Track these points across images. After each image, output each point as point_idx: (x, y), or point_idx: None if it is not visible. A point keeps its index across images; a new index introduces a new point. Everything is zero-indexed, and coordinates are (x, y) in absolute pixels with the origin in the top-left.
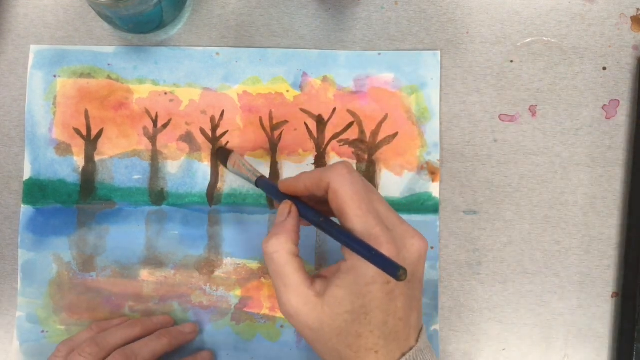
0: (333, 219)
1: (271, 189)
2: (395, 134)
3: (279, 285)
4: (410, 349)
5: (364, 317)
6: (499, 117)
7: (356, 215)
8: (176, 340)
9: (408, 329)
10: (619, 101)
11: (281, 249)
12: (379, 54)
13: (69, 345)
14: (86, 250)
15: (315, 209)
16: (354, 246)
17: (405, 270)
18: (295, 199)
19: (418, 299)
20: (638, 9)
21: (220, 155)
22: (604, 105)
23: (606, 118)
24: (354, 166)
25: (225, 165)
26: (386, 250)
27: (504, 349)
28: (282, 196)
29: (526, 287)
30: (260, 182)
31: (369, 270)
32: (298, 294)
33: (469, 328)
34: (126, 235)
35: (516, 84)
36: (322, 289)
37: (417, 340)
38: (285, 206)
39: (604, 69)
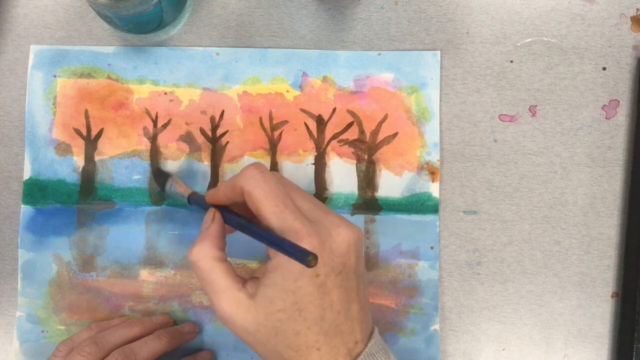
0: None
1: (202, 203)
2: (395, 134)
3: (209, 291)
4: (356, 343)
5: (298, 314)
6: (499, 117)
7: (272, 212)
8: (175, 340)
9: (350, 323)
10: (618, 101)
11: (204, 256)
12: (379, 54)
13: (68, 345)
14: (86, 250)
15: (241, 215)
16: (265, 240)
17: (314, 256)
18: (224, 208)
19: (356, 290)
20: (638, 9)
21: (158, 177)
22: (604, 105)
23: (606, 118)
24: (354, 166)
25: (163, 188)
26: (308, 242)
27: (504, 349)
28: (211, 208)
29: (526, 287)
30: (191, 198)
31: (295, 265)
32: (229, 297)
33: (469, 328)
34: (126, 236)
35: (516, 84)
36: (254, 290)
37: (367, 339)
38: (209, 214)
39: (604, 69)
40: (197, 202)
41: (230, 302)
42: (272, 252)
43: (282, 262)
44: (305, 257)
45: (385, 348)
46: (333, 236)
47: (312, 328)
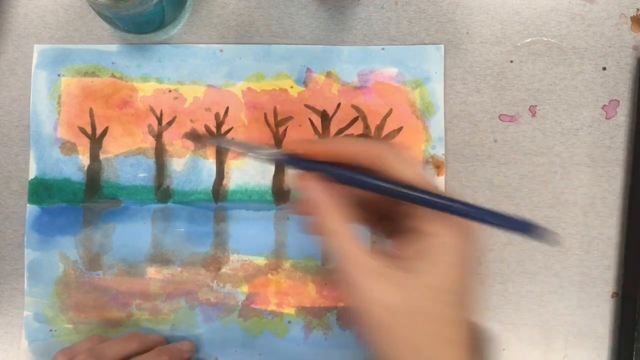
0: None
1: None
2: (400, 129)
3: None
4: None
5: (466, 299)
6: (499, 117)
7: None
8: (175, 358)
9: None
10: (618, 101)
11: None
12: (383, 48)
13: (67, 354)
14: (92, 248)
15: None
16: (429, 200)
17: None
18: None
19: None
20: (638, 9)
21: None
22: (604, 105)
23: (606, 118)
24: None
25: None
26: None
27: (504, 349)
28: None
29: (526, 287)
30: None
31: (468, 244)
32: (371, 270)
33: None
34: (132, 233)
35: (516, 84)
36: (404, 267)
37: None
38: (311, 181)
39: (604, 69)
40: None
41: (373, 275)
42: (437, 225)
43: (435, 245)
44: (531, 228)
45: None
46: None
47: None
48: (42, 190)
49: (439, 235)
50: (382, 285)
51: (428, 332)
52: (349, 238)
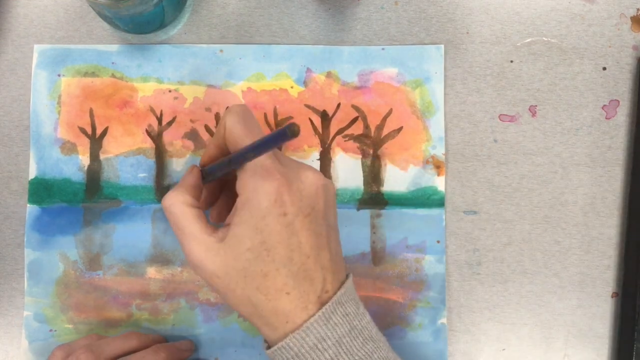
0: None
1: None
2: (400, 129)
3: (180, 237)
4: (326, 293)
5: (265, 253)
6: (499, 117)
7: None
8: (173, 356)
9: (321, 270)
10: (619, 101)
11: (177, 201)
12: (383, 48)
13: (65, 351)
14: (92, 248)
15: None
16: (247, 153)
17: (294, 124)
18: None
19: (327, 238)
20: (638, 9)
21: None
22: (604, 105)
23: (606, 118)
24: (360, 161)
25: None
26: (276, 179)
27: (504, 349)
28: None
29: (526, 287)
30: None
31: (262, 201)
32: (199, 241)
33: (469, 328)
34: (132, 234)
35: (516, 84)
36: (223, 234)
37: (337, 289)
38: (189, 169)
39: (604, 69)
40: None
41: (200, 246)
42: (241, 187)
43: (250, 197)
44: (285, 131)
45: (356, 299)
46: (301, 178)
47: (280, 270)
48: (42, 190)
49: (240, 194)
50: (205, 254)
51: (244, 286)
52: (190, 217)
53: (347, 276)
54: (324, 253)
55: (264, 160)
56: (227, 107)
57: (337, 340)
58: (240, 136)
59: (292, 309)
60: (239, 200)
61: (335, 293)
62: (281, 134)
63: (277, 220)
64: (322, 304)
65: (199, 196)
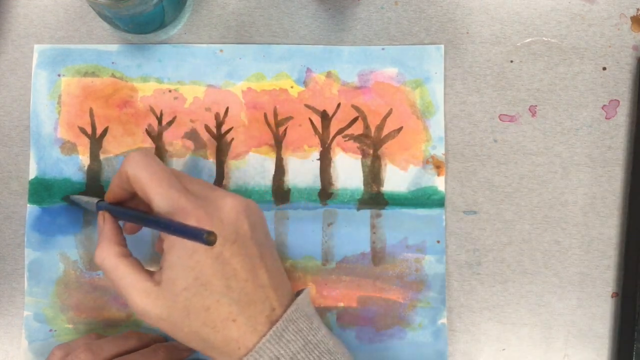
0: None
1: (105, 206)
2: (400, 129)
3: (120, 289)
4: (274, 311)
5: (202, 288)
6: (499, 117)
7: (158, 192)
8: (172, 355)
9: (262, 290)
10: (619, 101)
11: (107, 255)
12: (383, 48)
13: (64, 350)
14: (93, 248)
15: (133, 208)
16: (159, 226)
17: (212, 233)
18: (118, 205)
19: (260, 257)
20: (638, 9)
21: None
22: (604, 105)
23: (606, 118)
24: (360, 161)
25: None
26: (194, 216)
27: (504, 349)
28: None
29: (526, 287)
30: (98, 205)
31: (187, 241)
32: (138, 290)
33: (469, 328)
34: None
35: (516, 84)
36: (159, 277)
37: (287, 306)
38: (100, 216)
39: (604, 69)
40: (101, 207)
41: (140, 294)
42: (164, 233)
43: (175, 241)
44: (202, 236)
45: (310, 314)
46: (220, 206)
47: (221, 300)
48: (43, 190)
49: (165, 239)
50: (146, 300)
51: (190, 323)
52: (124, 268)
53: (301, 291)
54: (261, 273)
55: (177, 199)
56: (127, 156)
57: (291, 357)
58: (147, 183)
59: (241, 334)
60: (165, 244)
61: (285, 309)
62: (197, 235)
63: (206, 254)
64: (272, 323)
65: (124, 242)
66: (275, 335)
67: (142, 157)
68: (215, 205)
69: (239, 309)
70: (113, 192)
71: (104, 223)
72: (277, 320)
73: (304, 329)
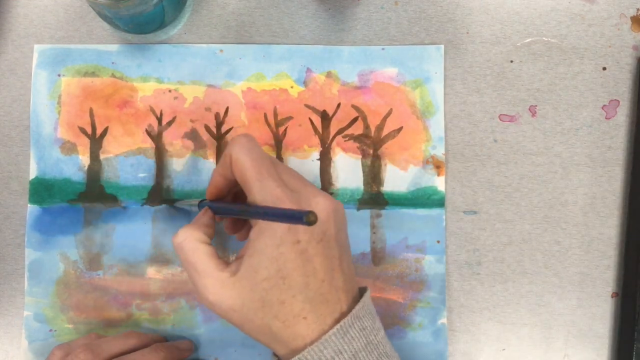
0: None
1: (206, 204)
2: (400, 129)
3: (192, 274)
4: (342, 313)
5: (282, 282)
6: (499, 117)
7: (257, 179)
8: (172, 355)
9: (336, 292)
10: (619, 101)
11: (189, 236)
12: (383, 48)
13: (64, 350)
14: (93, 248)
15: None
16: (260, 214)
17: (312, 213)
18: (220, 201)
19: (339, 260)
20: (638, 9)
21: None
22: (604, 105)
23: (606, 118)
24: (360, 161)
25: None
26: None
27: (504, 349)
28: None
29: (526, 287)
30: (200, 205)
31: (276, 231)
32: (213, 279)
33: (469, 328)
34: (132, 234)
35: (516, 84)
36: (237, 268)
37: (352, 306)
38: (202, 211)
39: (604, 69)
40: (202, 206)
41: (214, 283)
42: (253, 221)
43: (263, 228)
44: (302, 217)
45: (373, 313)
46: (312, 205)
47: (297, 296)
48: (43, 190)
49: (254, 225)
50: (220, 291)
51: (263, 316)
52: (202, 254)
53: (365, 289)
54: (338, 275)
55: (274, 189)
56: (232, 138)
57: (353, 355)
58: (247, 168)
59: (309, 332)
60: (252, 232)
61: (350, 310)
62: (297, 217)
63: (292, 248)
64: (338, 322)
65: (212, 235)
66: (342, 329)
67: (247, 140)
68: (308, 202)
69: (312, 307)
70: (215, 181)
71: (202, 214)
72: (340, 316)
73: (368, 327)
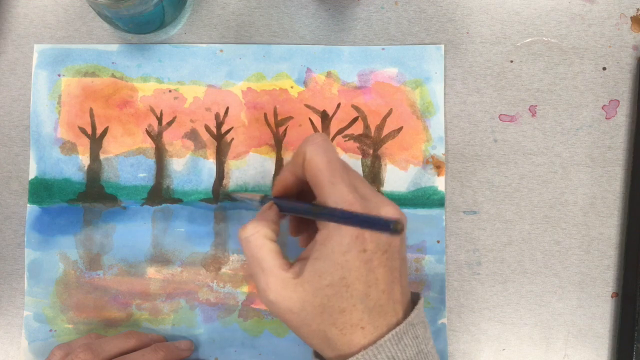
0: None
1: (273, 200)
2: (400, 129)
3: (257, 270)
4: (398, 323)
5: (345, 289)
6: (499, 117)
7: (330, 182)
8: (172, 355)
9: (393, 303)
10: (619, 101)
11: (257, 232)
12: (383, 48)
13: (64, 350)
14: (92, 248)
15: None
16: (331, 215)
17: (399, 222)
18: (286, 199)
19: (400, 272)
20: (638, 9)
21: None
22: (604, 105)
23: (606, 118)
24: (360, 161)
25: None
26: None
27: (504, 349)
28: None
29: (526, 287)
30: (262, 201)
31: (344, 237)
32: (277, 278)
33: (469, 328)
34: (132, 234)
35: (516, 84)
36: (300, 270)
37: (406, 315)
38: (267, 205)
39: (604, 69)
40: (265, 201)
41: (277, 282)
42: (321, 224)
43: (331, 233)
44: (388, 225)
45: (425, 322)
46: (382, 214)
47: (357, 305)
48: (43, 190)
49: (321, 229)
50: (282, 291)
51: (321, 322)
52: (268, 252)
53: (418, 296)
54: (397, 287)
55: (347, 194)
56: (307, 137)
57: None
58: (321, 169)
59: (365, 342)
60: (319, 235)
61: (405, 318)
62: (381, 224)
63: (357, 256)
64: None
65: (278, 232)
66: (397, 336)
67: (322, 140)
68: (378, 210)
69: (370, 318)
70: (284, 177)
71: (268, 209)
72: (395, 325)
73: (420, 335)
